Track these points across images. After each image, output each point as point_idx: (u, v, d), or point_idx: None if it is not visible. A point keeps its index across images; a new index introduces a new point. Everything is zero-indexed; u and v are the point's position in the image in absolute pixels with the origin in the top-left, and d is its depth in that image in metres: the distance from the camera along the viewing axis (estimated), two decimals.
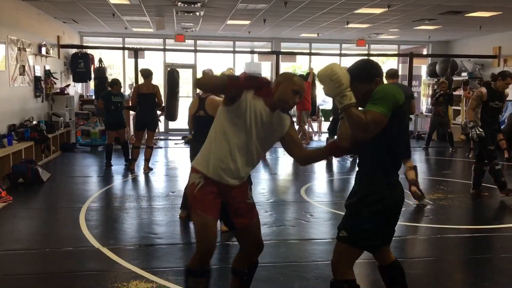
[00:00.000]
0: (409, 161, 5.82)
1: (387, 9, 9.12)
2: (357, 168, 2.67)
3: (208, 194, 2.64)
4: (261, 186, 6.94)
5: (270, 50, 14.67)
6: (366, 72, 2.50)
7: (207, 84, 2.94)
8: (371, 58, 14.92)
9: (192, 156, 4.86)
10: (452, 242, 4.71)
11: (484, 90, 6.23)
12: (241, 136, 2.62)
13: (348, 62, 15.50)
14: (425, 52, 15.53)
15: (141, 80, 8.38)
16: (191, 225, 5.06)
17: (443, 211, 5.68)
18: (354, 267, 2.60)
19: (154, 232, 4.83)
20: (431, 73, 14.18)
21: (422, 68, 15.59)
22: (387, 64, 18.01)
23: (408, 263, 4.10)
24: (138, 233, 4.82)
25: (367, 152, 2.54)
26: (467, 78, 12.90)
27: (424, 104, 14.95)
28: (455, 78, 13.04)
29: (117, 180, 7.47)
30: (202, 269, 2.66)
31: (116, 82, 8.45)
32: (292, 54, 15.14)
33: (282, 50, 14.20)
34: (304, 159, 2.85)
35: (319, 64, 16.30)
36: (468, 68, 13.35)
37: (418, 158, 9.87)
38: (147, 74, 7.87)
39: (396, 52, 15.41)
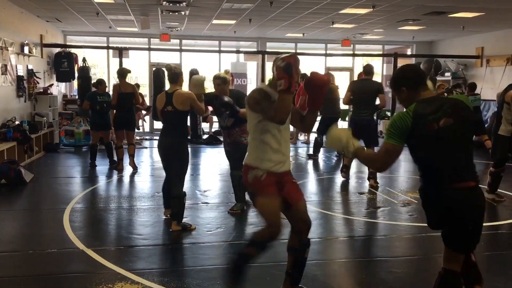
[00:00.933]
0: None
1: (371, 9, 9.19)
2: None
3: (270, 183, 3.05)
4: None
5: (255, 50, 14.67)
6: (394, 81, 2.78)
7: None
8: (355, 58, 15.07)
9: (161, 148, 4.85)
10: (435, 240, 4.76)
11: None
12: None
13: (333, 62, 15.60)
14: (409, 52, 15.67)
15: (128, 80, 8.29)
16: (168, 227, 5.04)
17: None
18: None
19: (139, 233, 4.80)
20: None
21: None
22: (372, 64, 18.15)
23: (395, 262, 4.13)
24: (123, 234, 4.78)
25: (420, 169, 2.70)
26: (450, 78, 13.08)
27: None
28: (438, 78, 13.18)
29: (102, 181, 7.39)
30: (266, 245, 3.12)
31: (101, 82, 8.36)
32: (277, 54, 15.13)
33: (267, 50, 14.20)
34: (304, 126, 3.27)
35: (304, 64, 16.33)
36: (452, 68, 13.51)
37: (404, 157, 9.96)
38: (124, 73, 7.96)
39: (380, 52, 15.53)
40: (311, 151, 9.95)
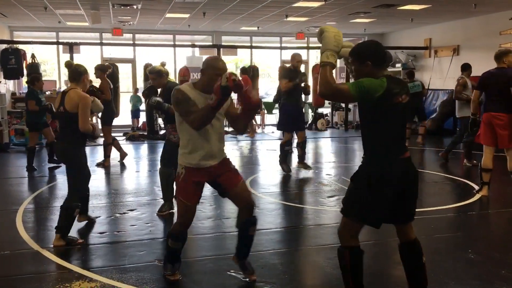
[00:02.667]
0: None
1: (323, 2, 9.35)
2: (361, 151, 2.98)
3: (190, 183, 3.27)
4: None
5: (211, 43, 14.61)
6: (361, 52, 2.79)
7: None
8: (310, 50, 15.26)
9: (58, 151, 4.59)
10: (387, 225, 4.94)
11: None
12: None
13: (288, 55, 15.75)
14: None
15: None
16: (131, 222, 5.00)
17: None
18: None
19: (95, 231, 4.72)
20: None
21: None
22: None
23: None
24: (79, 232, 4.69)
25: (366, 137, 2.86)
26: (401, 69, 13.49)
27: None
28: (389, 69, 13.57)
29: (54, 180, 7.20)
30: (180, 235, 3.39)
31: (38, 78, 7.89)
32: (233, 48, 15.13)
33: (223, 44, 14.18)
34: (237, 128, 3.46)
35: (260, 57, 16.45)
36: (402, 59, 13.94)
37: (359, 146, 10.23)
38: (104, 69, 7.86)
39: None
40: (268, 144, 10.03)
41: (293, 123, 7.27)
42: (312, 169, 7.59)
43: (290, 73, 7.14)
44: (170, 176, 4.93)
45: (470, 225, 4.97)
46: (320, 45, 2.76)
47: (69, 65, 4.61)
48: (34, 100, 7.58)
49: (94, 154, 9.30)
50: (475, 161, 7.72)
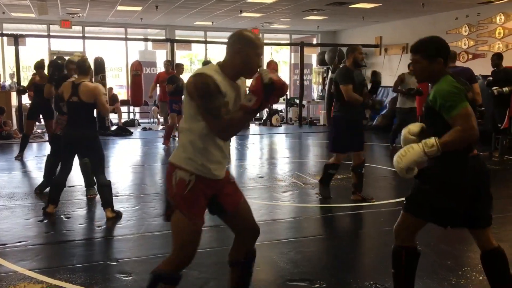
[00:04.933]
0: None
1: None
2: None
3: (198, 195, 2.39)
4: None
5: (164, 37, 14.37)
6: (434, 49, 2.56)
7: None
8: (265, 47, 15.33)
9: (64, 143, 4.77)
10: (340, 220, 5.04)
11: None
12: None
13: None
14: (314, 41, 16.24)
15: (26, 70, 7.76)
16: (80, 221, 4.85)
17: (333, 192, 6.04)
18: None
19: (41, 230, 4.54)
20: (321, 62, 14.90)
21: (313, 57, 16.31)
22: (280, 53, 18.56)
23: (304, 242, 4.30)
24: (23, 232, 4.48)
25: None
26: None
27: (315, 91, 15.67)
28: (342, 66, 13.80)
29: None
30: (177, 276, 2.42)
31: None
32: (187, 42, 14.96)
33: (176, 38, 13.98)
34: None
35: (215, 53, 16.32)
36: None
37: (312, 142, 10.37)
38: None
39: (288, 42, 15.93)
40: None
41: (351, 140, 5.31)
42: (374, 200, 5.45)
43: (351, 74, 5.24)
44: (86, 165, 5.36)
45: None
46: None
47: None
48: None
49: (33, 150, 8.95)
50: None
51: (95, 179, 5.02)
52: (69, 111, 4.77)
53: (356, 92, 5.14)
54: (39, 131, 10.93)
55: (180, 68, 9.41)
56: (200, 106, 2.28)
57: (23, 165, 7.81)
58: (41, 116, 7.71)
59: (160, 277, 2.38)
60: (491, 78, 8.27)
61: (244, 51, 2.34)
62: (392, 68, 13.01)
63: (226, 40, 2.51)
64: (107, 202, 4.81)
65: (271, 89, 2.22)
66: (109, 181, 4.84)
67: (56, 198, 4.87)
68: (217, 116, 2.26)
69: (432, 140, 2.40)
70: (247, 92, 2.30)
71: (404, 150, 2.49)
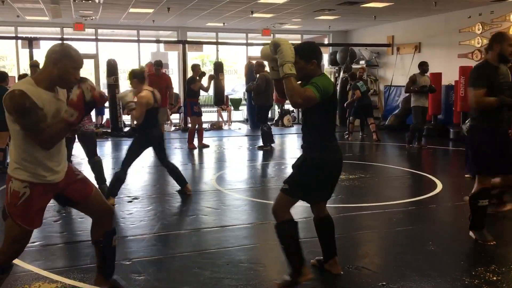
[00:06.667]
0: None
1: None
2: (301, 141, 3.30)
3: (33, 206, 2.66)
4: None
5: (176, 39, 14.45)
6: (308, 51, 3.06)
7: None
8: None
9: (154, 138, 5.54)
10: (352, 220, 5.03)
11: None
12: None
13: (254, 51, 15.76)
14: (326, 41, 16.21)
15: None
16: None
17: (344, 191, 6.02)
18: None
19: (55, 230, 4.60)
20: (332, 62, 14.86)
21: (324, 57, 16.27)
22: None
23: (315, 242, 4.30)
24: (38, 232, 4.54)
25: (310, 126, 3.15)
26: (364, 65, 13.70)
27: None
28: (354, 66, 13.78)
29: None
30: (7, 266, 2.83)
31: (7, 75, 7.60)
32: (198, 44, 15.04)
33: (188, 39, 14.05)
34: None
35: (226, 54, 16.40)
36: (366, 56, 14.17)
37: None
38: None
39: (299, 42, 15.92)
40: (234, 141, 10.00)
41: (499, 159, 3.91)
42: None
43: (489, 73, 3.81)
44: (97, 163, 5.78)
45: (430, 218, 5.09)
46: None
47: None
48: None
49: None
50: (415, 145, 9.11)
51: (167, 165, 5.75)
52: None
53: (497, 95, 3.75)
54: None
55: (197, 68, 9.46)
56: (18, 123, 2.50)
57: None
58: None
59: None
60: None
61: (62, 63, 2.55)
62: (404, 67, 12.93)
63: (238, 41, 2.71)
64: (111, 191, 5.33)
65: (92, 106, 2.58)
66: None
67: (116, 192, 5.38)
68: (36, 131, 2.50)
69: (293, 70, 2.90)
70: (68, 106, 2.55)
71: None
